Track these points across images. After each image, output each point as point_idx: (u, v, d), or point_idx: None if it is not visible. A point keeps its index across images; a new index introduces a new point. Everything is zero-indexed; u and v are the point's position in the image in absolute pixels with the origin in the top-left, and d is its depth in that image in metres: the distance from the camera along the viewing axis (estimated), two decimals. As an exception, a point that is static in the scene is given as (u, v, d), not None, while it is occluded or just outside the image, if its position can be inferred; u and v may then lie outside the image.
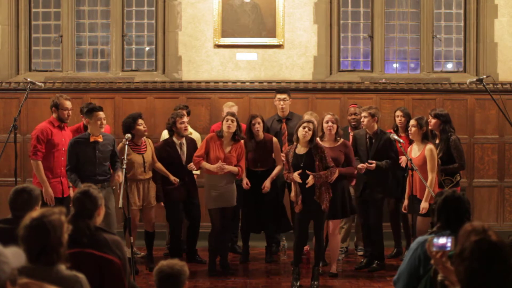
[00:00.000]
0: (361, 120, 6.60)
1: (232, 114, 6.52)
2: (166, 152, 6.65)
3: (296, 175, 5.91)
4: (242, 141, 6.61)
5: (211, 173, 6.46)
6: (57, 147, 6.30)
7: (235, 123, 6.44)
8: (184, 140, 6.72)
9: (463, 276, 2.34)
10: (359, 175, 6.56)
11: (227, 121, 6.43)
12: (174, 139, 6.70)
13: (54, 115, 6.39)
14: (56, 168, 6.29)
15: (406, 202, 6.34)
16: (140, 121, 6.50)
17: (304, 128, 5.94)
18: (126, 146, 5.91)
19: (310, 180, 5.88)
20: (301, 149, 6.02)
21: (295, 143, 6.09)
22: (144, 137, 6.60)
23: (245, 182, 6.63)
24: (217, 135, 6.50)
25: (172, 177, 6.57)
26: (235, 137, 6.48)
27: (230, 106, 7.24)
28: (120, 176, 5.97)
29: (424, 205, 6.02)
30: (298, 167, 5.95)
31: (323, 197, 5.97)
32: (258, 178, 6.78)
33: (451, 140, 6.48)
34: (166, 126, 6.79)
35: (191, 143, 6.74)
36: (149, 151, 6.61)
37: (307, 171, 5.90)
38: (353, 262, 6.97)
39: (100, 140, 6.10)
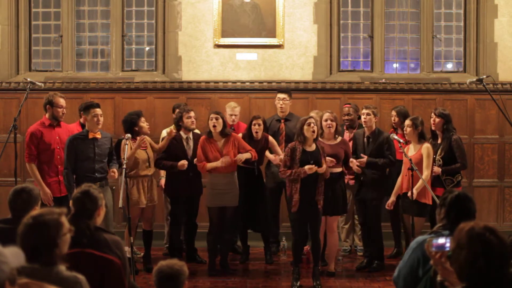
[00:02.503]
0: (363, 118, 6.58)
1: (216, 112, 6.56)
2: (172, 145, 6.67)
3: (310, 166, 5.92)
4: (233, 133, 6.65)
5: (213, 172, 6.47)
6: (50, 147, 6.28)
7: (220, 120, 6.46)
8: (191, 135, 6.75)
9: (464, 264, 2.36)
10: (356, 174, 6.59)
11: (211, 119, 6.46)
12: (181, 133, 6.72)
13: (47, 114, 6.37)
14: (52, 168, 6.29)
15: (391, 199, 6.40)
16: (143, 118, 6.56)
17: (309, 125, 5.99)
18: (127, 146, 5.91)
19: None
20: (309, 146, 6.05)
21: (296, 142, 6.09)
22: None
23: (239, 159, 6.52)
24: (207, 136, 6.51)
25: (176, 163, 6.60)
26: (224, 133, 6.50)
27: (232, 108, 7.23)
28: (116, 172, 5.99)
29: (415, 191, 6.06)
30: (307, 163, 5.96)
31: (321, 196, 6.02)
32: (253, 176, 6.83)
33: (453, 139, 6.51)
34: (173, 121, 6.85)
35: (198, 138, 6.74)
36: (149, 147, 6.66)
37: (324, 158, 6.02)
38: (353, 262, 6.99)
39: (99, 136, 6.14)
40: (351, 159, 6.43)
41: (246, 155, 6.49)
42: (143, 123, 6.54)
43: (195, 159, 6.57)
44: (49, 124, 6.34)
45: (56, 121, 6.37)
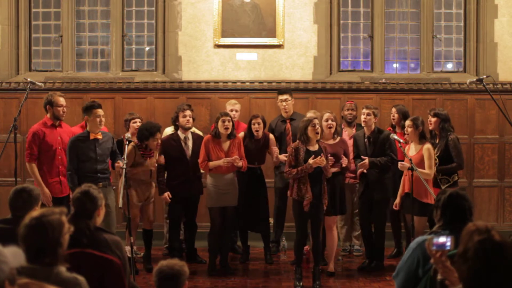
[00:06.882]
0: (363, 118, 6.57)
1: (227, 114, 6.54)
2: (171, 146, 6.65)
3: (314, 160, 5.89)
4: (238, 135, 6.66)
5: (215, 172, 6.47)
6: (52, 147, 6.28)
7: (231, 123, 6.47)
8: (189, 135, 6.72)
9: (466, 275, 2.34)
10: (361, 176, 6.60)
11: (223, 121, 6.43)
12: (179, 133, 6.70)
13: (48, 114, 6.38)
14: (53, 168, 6.29)
15: (397, 200, 6.38)
16: (158, 135, 6.48)
17: (314, 126, 6.00)
18: (127, 146, 5.90)
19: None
20: (312, 146, 6.07)
21: (298, 141, 6.09)
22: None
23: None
24: (213, 136, 6.50)
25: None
26: (230, 136, 6.50)
27: (233, 104, 7.22)
28: (120, 163, 5.99)
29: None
30: None
31: (325, 196, 6.06)
32: (254, 175, 6.84)
33: (450, 139, 6.50)
34: (171, 121, 6.84)
35: (198, 139, 6.71)
36: (154, 156, 6.61)
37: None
38: (354, 262, 6.99)
39: (100, 137, 6.13)
40: (359, 172, 6.51)
41: (240, 163, 6.49)
42: (155, 141, 6.44)
43: (199, 160, 6.54)
44: (51, 124, 6.35)
45: (57, 120, 6.37)
